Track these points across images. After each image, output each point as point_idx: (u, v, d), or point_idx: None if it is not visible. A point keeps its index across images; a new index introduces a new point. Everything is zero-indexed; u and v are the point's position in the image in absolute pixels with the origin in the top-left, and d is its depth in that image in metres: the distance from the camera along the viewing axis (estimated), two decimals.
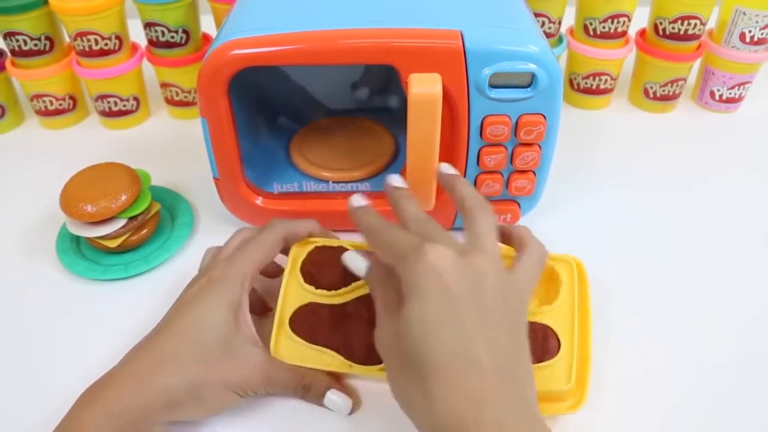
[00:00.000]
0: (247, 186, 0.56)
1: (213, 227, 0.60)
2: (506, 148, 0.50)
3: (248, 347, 0.43)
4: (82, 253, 0.57)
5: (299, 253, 0.48)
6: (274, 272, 0.51)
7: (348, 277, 0.46)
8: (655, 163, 0.68)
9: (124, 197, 0.54)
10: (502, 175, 0.52)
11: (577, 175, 0.66)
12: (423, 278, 0.35)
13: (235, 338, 0.42)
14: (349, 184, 0.59)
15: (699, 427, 0.43)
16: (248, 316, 0.44)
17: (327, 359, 0.44)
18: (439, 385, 0.33)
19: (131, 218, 0.55)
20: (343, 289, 0.46)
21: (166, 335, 0.42)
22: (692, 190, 0.64)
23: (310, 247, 0.48)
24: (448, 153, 0.50)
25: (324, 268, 0.47)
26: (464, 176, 0.52)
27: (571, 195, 0.63)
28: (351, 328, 0.45)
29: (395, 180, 0.44)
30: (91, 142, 0.74)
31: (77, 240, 0.58)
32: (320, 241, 0.49)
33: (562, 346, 0.42)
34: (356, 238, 0.47)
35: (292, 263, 0.48)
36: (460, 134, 0.49)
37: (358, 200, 0.43)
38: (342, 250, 0.48)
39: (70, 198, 0.54)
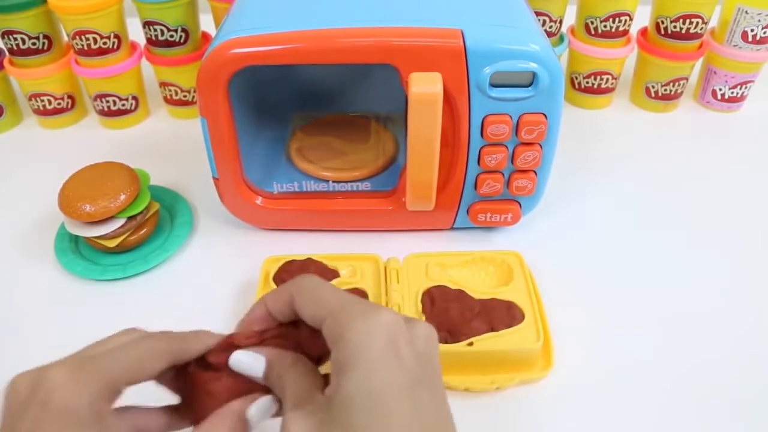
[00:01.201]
0: (247, 186, 0.56)
1: (212, 227, 0.60)
2: (507, 147, 0.50)
3: None
4: (81, 252, 0.57)
5: (271, 268, 0.51)
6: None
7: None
8: (657, 162, 0.68)
9: (122, 197, 0.53)
10: (502, 174, 0.52)
11: (578, 174, 0.66)
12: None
13: None
14: (349, 184, 0.59)
15: (695, 422, 0.43)
16: None
17: None
18: None
19: (130, 218, 0.55)
20: None
21: None
22: (694, 190, 0.64)
23: (281, 262, 0.51)
24: (448, 153, 0.50)
25: (295, 274, 0.49)
26: (465, 176, 0.52)
27: (572, 194, 0.63)
28: None
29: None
30: (89, 141, 0.74)
31: (76, 240, 0.58)
32: (290, 257, 0.52)
33: (525, 315, 0.47)
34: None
35: (264, 278, 0.51)
36: (460, 134, 0.49)
37: None
38: (310, 261, 0.51)
39: (69, 197, 0.54)
